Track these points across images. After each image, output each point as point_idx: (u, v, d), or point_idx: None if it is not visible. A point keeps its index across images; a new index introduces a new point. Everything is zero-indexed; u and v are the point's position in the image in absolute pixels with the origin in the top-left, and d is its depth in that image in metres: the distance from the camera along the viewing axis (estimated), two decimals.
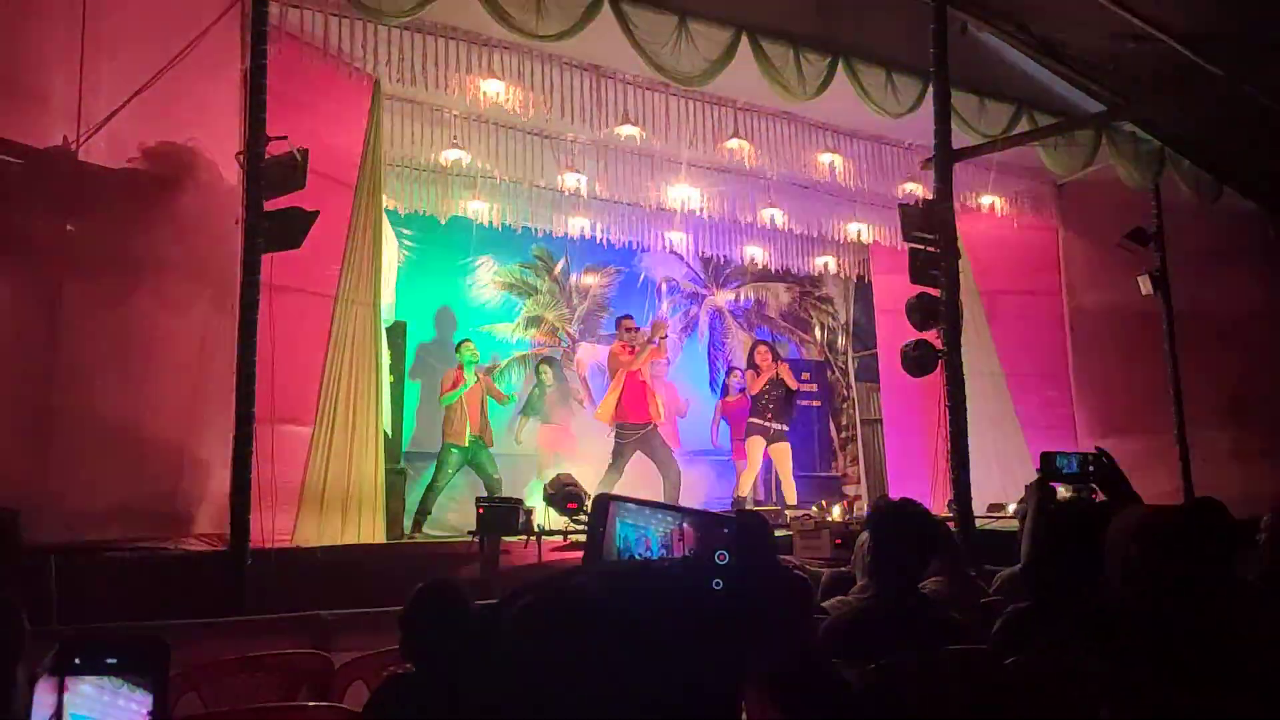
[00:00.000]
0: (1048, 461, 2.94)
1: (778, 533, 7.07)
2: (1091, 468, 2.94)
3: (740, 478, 9.52)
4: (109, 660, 0.98)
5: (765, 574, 0.99)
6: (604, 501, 1.05)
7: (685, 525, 1.01)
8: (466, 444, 8.49)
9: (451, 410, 8.55)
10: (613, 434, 8.75)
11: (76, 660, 0.98)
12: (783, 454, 9.60)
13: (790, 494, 9.41)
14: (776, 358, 9.75)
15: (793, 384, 9.59)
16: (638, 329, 9.13)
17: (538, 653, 0.73)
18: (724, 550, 0.97)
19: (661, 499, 7.57)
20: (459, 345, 8.86)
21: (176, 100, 5.82)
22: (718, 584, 0.96)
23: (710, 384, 12.28)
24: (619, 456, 8.59)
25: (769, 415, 9.50)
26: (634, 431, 8.60)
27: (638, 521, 1.02)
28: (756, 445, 9.47)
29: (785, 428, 9.60)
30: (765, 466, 9.87)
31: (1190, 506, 2.40)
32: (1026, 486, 3.13)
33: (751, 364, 9.81)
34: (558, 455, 9.07)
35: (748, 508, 8.47)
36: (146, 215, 5.76)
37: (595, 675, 0.71)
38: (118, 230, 5.64)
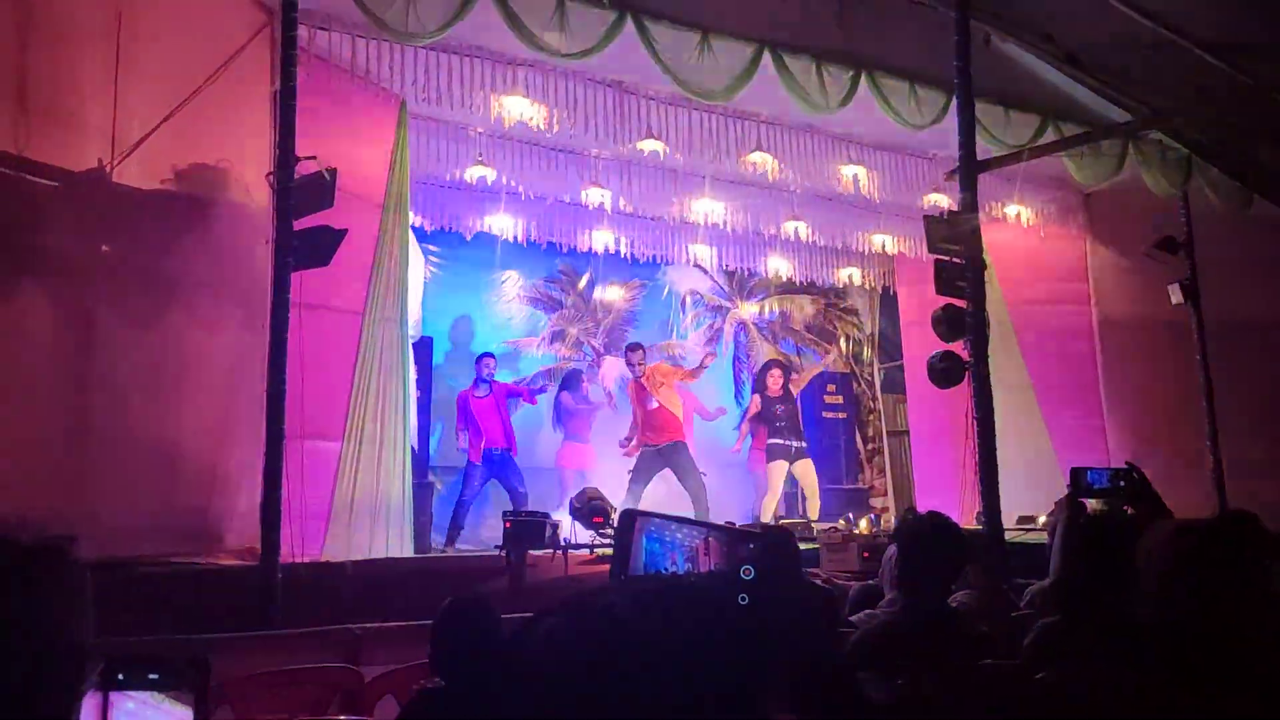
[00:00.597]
0: (1078, 477, 2.92)
1: (804, 546, 7.04)
2: (1122, 482, 2.91)
3: (763, 501, 9.48)
4: (151, 676, 1.01)
5: (790, 589, 1.00)
6: (630, 517, 1.06)
7: (710, 540, 1.02)
8: (484, 461, 8.63)
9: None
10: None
11: (120, 676, 1.00)
12: (807, 471, 9.59)
13: (814, 511, 9.37)
14: (788, 380, 9.81)
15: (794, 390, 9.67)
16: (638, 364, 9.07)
17: (565, 671, 0.74)
18: (749, 565, 0.98)
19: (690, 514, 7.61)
20: (480, 356, 9.08)
21: (208, 122, 5.91)
22: (743, 599, 0.97)
23: (735, 397, 12.26)
24: (637, 478, 8.70)
25: (787, 434, 9.52)
26: (651, 450, 8.75)
27: (663, 536, 1.03)
28: (779, 470, 9.49)
29: (805, 444, 9.61)
30: (789, 482, 9.84)
31: (1224, 518, 2.38)
32: (1056, 501, 3.11)
33: (761, 386, 9.84)
34: (581, 473, 9.12)
35: (774, 522, 8.43)
36: (179, 235, 5.84)
37: (623, 692, 0.72)
38: (150, 250, 5.73)
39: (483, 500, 8.84)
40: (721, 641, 0.77)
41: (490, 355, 9.27)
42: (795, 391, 9.92)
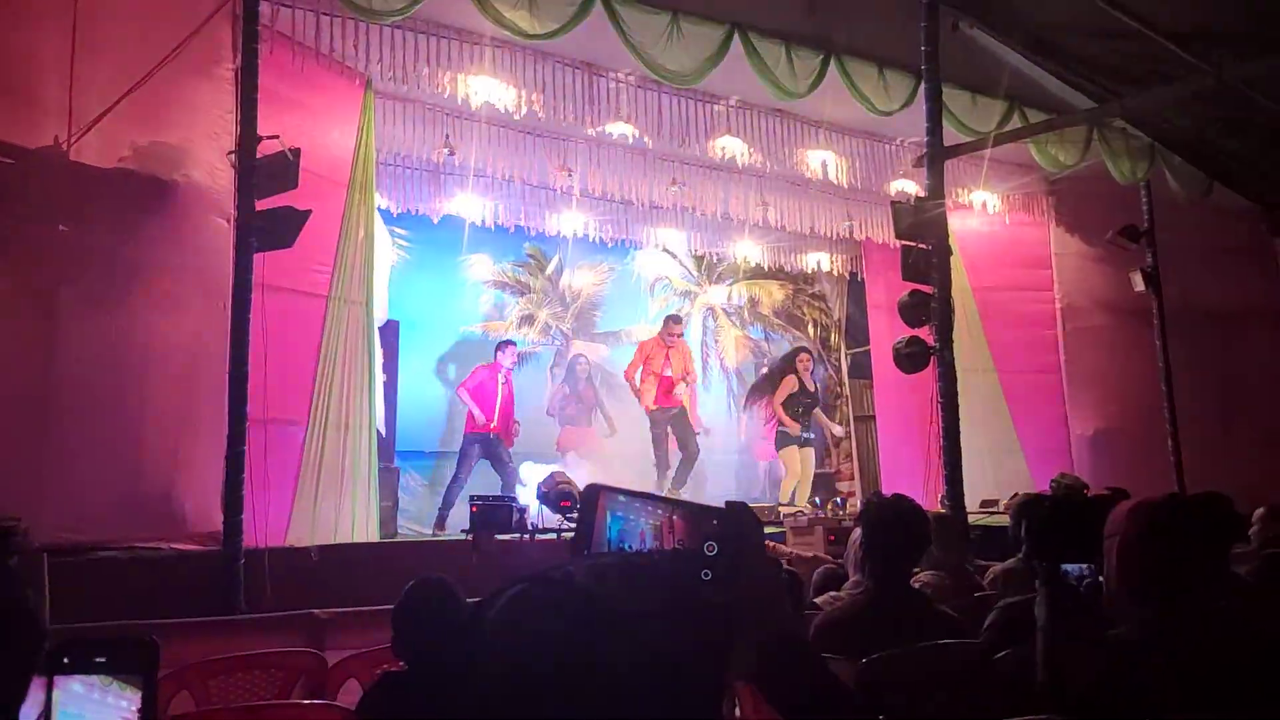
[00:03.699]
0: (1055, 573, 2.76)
1: (770, 530, 7.08)
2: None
3: (783, 485, 9.76)
4: (98, 659, 0.98)
5: (752, 563, 0.99)
6: (594, 492, 1.05)
7: (675, 517, 1.01)
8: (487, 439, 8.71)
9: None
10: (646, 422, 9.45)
11: (65, 659, 0.98)
12: (809, 460, 9.79)
13: (804, 498, 9.54)
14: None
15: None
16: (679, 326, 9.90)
17: (525, 644, 0.73)
18: (712, 541, 0.97)
19: (674, 472, 7.88)
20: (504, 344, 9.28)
21: (168, 100, 5.80)
22: (706, 574, 0.96)
23: (702, 383, 12.28)
24: (659, 440, 9.35)
25: (800, 422, 9.73)
26: (666, 414, 9.37)
27: (628, 514, 1.02)
28: (793, 455, 9.81)
29: (813, 434, 9.86)
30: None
31: (1192, 495, 2.39)
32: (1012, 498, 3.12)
33: (791, 369, 9.95)
34: (577, 454, 9.19)
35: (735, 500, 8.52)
36: (138, 215, 5.74)
37: (583, 665, 0.71)
38: (110, 230, 5.62)
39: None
40: (683, 613, 0.76)
41: (511, 343, 9.49)
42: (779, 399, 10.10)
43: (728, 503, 1.02)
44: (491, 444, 8.78)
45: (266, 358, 5.64)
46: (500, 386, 8.92)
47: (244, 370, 5.46)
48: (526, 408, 9.61)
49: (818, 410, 10.38)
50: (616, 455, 9.07)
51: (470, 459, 8.73)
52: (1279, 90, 7.91)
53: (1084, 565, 2.16)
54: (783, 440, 9.86)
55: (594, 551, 1.02)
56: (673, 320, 10.02)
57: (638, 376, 9.53)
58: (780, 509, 8.74)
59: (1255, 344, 9.74)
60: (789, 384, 9.97)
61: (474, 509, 6.62)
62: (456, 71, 7.17)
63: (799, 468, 9.73)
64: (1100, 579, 1.96)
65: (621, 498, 1.04)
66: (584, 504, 1.04)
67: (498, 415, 8.81)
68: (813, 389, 10.09)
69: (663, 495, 1.07)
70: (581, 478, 7.95)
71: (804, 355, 10.27)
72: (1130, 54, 7.81)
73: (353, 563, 6.05)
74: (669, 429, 9.46)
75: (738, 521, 1.01)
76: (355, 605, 4.88)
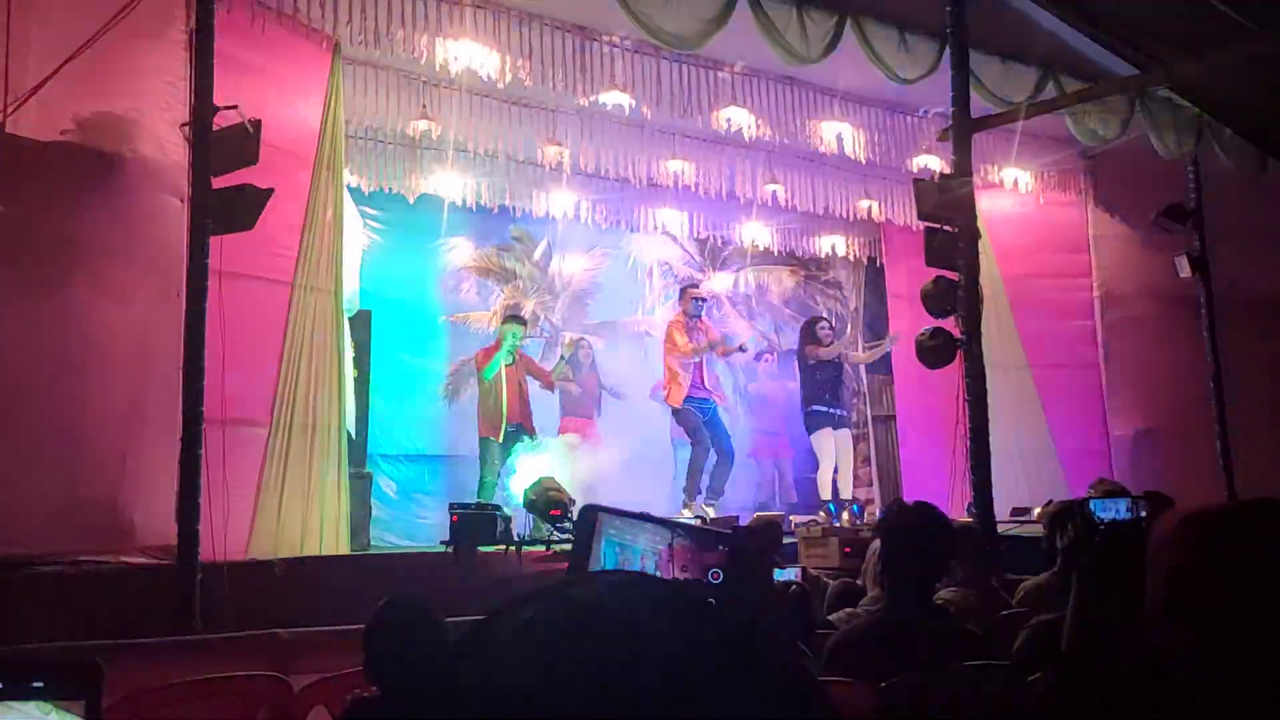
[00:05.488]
0: (1081, 513, 2.77)
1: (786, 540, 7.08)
2: (1144, 514, 2.82)
3: (820, 475, 9.68)
4: (35, 684, 0.98)
5: (756, 595, 0.98)
6: (591, 513, 1.04)
7: (676, 544, 1.00)
8: (503, 437, 8.66)
9: (485, 395, 8.68)
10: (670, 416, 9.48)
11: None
12: (846, 442, 9.77)
13: (847, 487, 9.52)
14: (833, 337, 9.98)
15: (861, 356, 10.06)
16: (702, 300, 9.58)
17: (549, 673, 0.72)
18: (717, 569, 0.96)
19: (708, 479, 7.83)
20: (507, 319, 9.17)
21: (114, 66, 5.78)
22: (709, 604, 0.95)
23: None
24: (698, 434, 9.15)
25: (831, 400, 9.63)
26: (703, 408, 9.27)
27: (623, 539, 1.01)
28: (827, 438, 9.71)
29: (846, 411, 9.77)
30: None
31: (1246, 502, 2.37)
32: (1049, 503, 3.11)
33: (814, 338, 9.85)
34: (582, 448, 9.13)
35: (762, 515, 8.48)
36: (82, 193, 5.72)
37: (615, 695, 0.70)
38: (50, 210, 5.61)
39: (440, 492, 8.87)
40: (711, 642, 0.76)
41: (520, 319, 9.43)
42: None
43: (734, 528, 1.02)
44: (508, 438, 8.73)
45: (224, 351, 5.62)
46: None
47: (199, 365, 5.45)
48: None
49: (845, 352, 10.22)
50: (619, 451, 8.98)
51: (493, 457, 8.65)
52: None
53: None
54: (814, 421, 9.70)
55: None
56: (691, 288, 9.73)
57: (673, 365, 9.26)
58: (794, 518, 8.75)
59: None
60: (813, 353, 9.82)
61: (454, 518, 6.62)
62: (434, 34, 7.15)
63: (834, 452, 9.60)
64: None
65: (619, 521, 1.03)
66: (580, 526, 1.04)
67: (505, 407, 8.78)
68: (837, 359, 9.97)
69: (662, 518, 1.07)
70: (581, 471, 7.99)
71: (823, 323, 10.16)
72: (1178, 14, 7.80)
73: (321, 578, 6.05)
74: (703, 429, 9.22)
75: (745, 549, 1.01)
76: (323, 625, 4.88)
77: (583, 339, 10.31)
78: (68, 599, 5.02)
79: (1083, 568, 2.37)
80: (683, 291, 9.84)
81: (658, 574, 1.02)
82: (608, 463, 8.59)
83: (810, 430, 9.81)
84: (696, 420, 9.25)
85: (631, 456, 9.17)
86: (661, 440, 10.95)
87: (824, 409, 9.72)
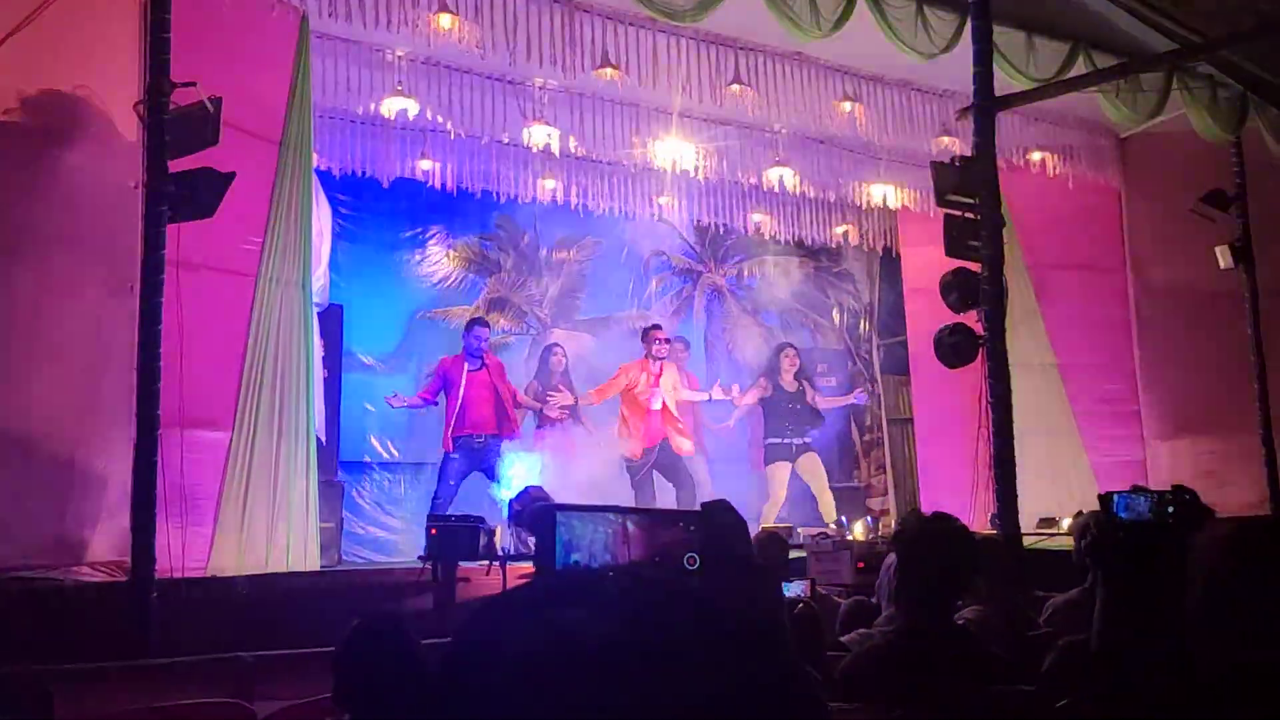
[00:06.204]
0: (1107, 506, 2.80)
1: (792, 554, 7.08)
2: (1171, 509, 2.83)
3: (764, 510, 9.66)
4: None
5: (741, 575, 0.98)
6: (549, 514, 1.05)
7: (630, 525, 1.01)
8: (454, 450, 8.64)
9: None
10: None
11: None
12: (813, 466, 9.86)
13: (829, 510, 9.54)
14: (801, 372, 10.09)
15: (821, 403, 10.04)
16: (667, 342, 9.60)
17: (529, 690, 0.72)
18: (693, 554, 0.96)
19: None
20: (470, 324, 9.11)
21: (62, 40, 5.77)
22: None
23: (708, 378, 12.29)
24: (641, 489, 9.22)
25: (790, 432, 9.71)
26: (649, 457, 9.32)
27: (575, 534, 1.02)
28: (781, 472, 9.77)
29: (809, 439, 9.80)
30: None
31: None
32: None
33: (773, 371, 9.97)
34: (555, 460, 9.14)
35: (767, 527, 8.49)
36: (27, 177, 5.72)
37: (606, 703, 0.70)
38: None
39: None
40: (723, 641, 0.76)
41: (484, 323, 9.36)
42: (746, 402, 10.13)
43: (704, 504, 1.03)
44: (477, 452, 8.66)
45: (183, 350, 5.63)
46: (470, 376, 8.87)
47: (155, 365, 5.45)
48: None
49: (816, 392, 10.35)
50: (598, 461, 8.99)
51: (450, 473, 8.62)
52: None
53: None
54: (770, 454, 9.87)
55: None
56: (654, 329, 9.75)
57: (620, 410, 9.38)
58: (800, 530, 8.75)
59: None
60: (761, 389, 10.03)
61: (432, 531, 6.61)
62: (410, 5, 7.15)
63: (782, 491, 9.72)
64: None
65: (574, 517, 1.04)
66: (542, 528, 1.04)
67: (467, 415, 8.71)
68: (795, 389, 10.04)
69: (614, 506, 1.07)
70: (567, 483, 7.99)
71: (789, 352, 10.27)
72: None
73: (288, 597, 6.05)
74: (653, 473, 9.31)
75: (720, 526, 1.00)
76: (290, 648, 4.89)
77: (556, 345, 10.28)
78: (12, 619, 5.00)
79: (1107, 569, 2.38)
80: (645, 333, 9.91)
81: (608, 559, 1.03)
82: (600, 466, 8.61)
83: (766, 462, 9.94)
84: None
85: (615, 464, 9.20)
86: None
87: (780, 440, 9.84)
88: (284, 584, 6.32)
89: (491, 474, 8.70)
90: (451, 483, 8.55)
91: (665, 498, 9.28)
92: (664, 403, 9.37)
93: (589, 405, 9.60)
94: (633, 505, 8.24)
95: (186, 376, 5.69)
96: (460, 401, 8.63)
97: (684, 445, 9.41)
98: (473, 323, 9.23)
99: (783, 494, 9.72)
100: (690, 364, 11.77)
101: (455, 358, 8.92)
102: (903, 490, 11.95)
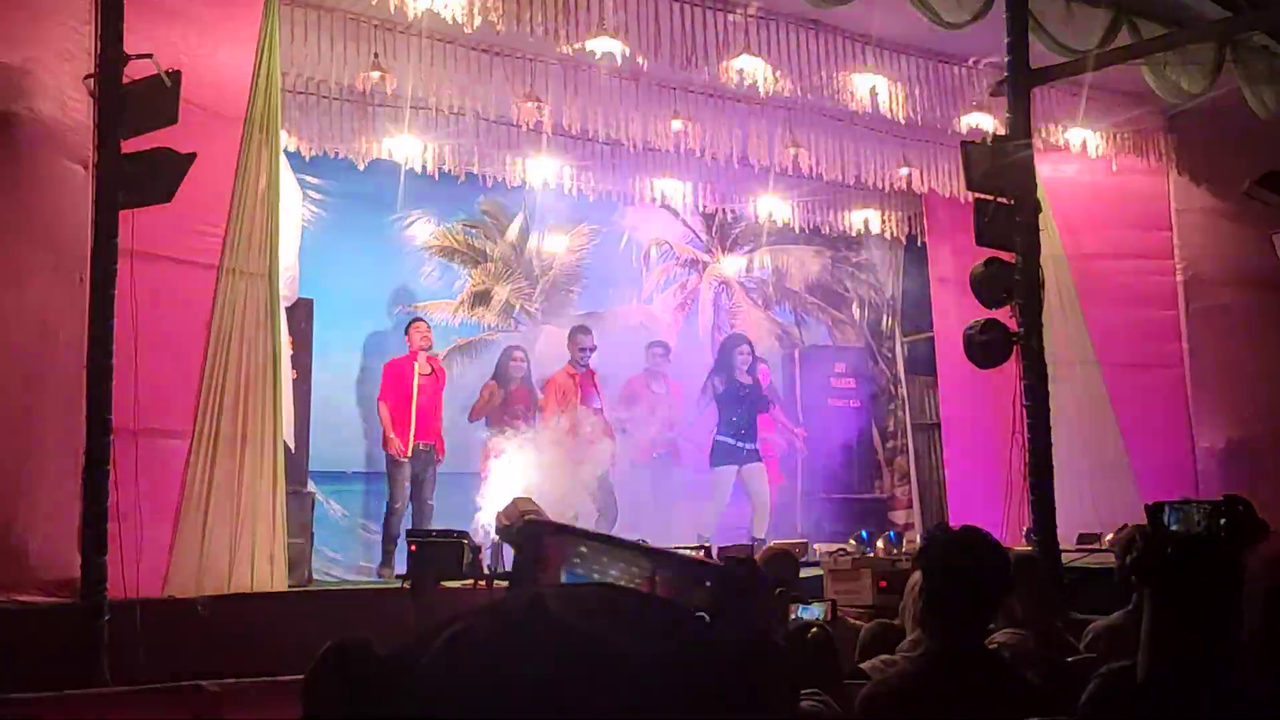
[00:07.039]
0: (1157, 518, 2.80)
1: (806, 573, 7.08)
2: (1224, 520, 2.83)
3: (707, 509, 9.89)
4: None
5: (750, 640, 0.98)
6: (537, 534, 1.02)
7: (659, 577, 0.98)
8: (411, 455, 8.99)
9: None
10: None
11: None
12: (758, 476, 9.99)
13: (762, 528, 9.64)
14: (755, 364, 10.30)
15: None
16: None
17: (484, 694, 0.72)
18: (703, 612, 0.96)
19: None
20: (408, 327, 9.42)
21: (6, 10, 5.78)
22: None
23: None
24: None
25: (741, 434, 9.78)
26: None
27: (590, 573, 0.98)
28: (727, 476, 9.99)
29: (756, 445, 9.91)
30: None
31: None
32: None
33: (727, 366, 10.10)
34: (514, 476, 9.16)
35: (775, 544, 8.51)
36: None
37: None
38: None
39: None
40: (707, 664, 0.76)
41: (420, 319, 9.70)
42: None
43: (728, 559, 1.02)
44: (420, 460, 9.06)
45: (137, 347, 5.61)
46: (421, 381, 9.17)
47: (107, 364, 5.45)
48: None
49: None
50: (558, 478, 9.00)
51: (401, 480, 9.00)
52: None
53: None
54: (717, 454, 10.03)
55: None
56: (580, 332, 9.96)
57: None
58: (817, 547, 8.76)
59: None
60: (717, 385, 10.21)
61: (412, 547, 6.63)
62: None
63: (729, 493, 9.90)
64: None
65: (585, 550, 1.00)
66: (526, 547, 1.02)
67: (416, 420, 9.04)
68: (749, 383, 10.16)
69: (641, 544, 1.05)
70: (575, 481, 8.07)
71: (743, 348, 10.43)
72: None
73: (253, 619, 6.07)
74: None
75: (737, 585, 1.00)
76: (255, 674, 4.90)
77: (517, 348, 10.34)
78: None
79: (1154, 588, 2.38)
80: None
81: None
82: (592, 474, 8.61)
83: (712, 463, 10.08)
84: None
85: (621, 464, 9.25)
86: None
87: (731, 442, 9.96)
88: (248, 605, 6.35)
89: (419, 491, 9.05)
90: (405, 486, 8.98)
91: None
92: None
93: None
94: (645, 542, 8.27)
95: (141, 377, 5.66)
96: (415, 406, 9.03)
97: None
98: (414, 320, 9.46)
99: (726, 498, 9.93)
100: (691, 364, 11.79)
101: (405, 358, 9.30)
102: (929, 503, 11.96)
